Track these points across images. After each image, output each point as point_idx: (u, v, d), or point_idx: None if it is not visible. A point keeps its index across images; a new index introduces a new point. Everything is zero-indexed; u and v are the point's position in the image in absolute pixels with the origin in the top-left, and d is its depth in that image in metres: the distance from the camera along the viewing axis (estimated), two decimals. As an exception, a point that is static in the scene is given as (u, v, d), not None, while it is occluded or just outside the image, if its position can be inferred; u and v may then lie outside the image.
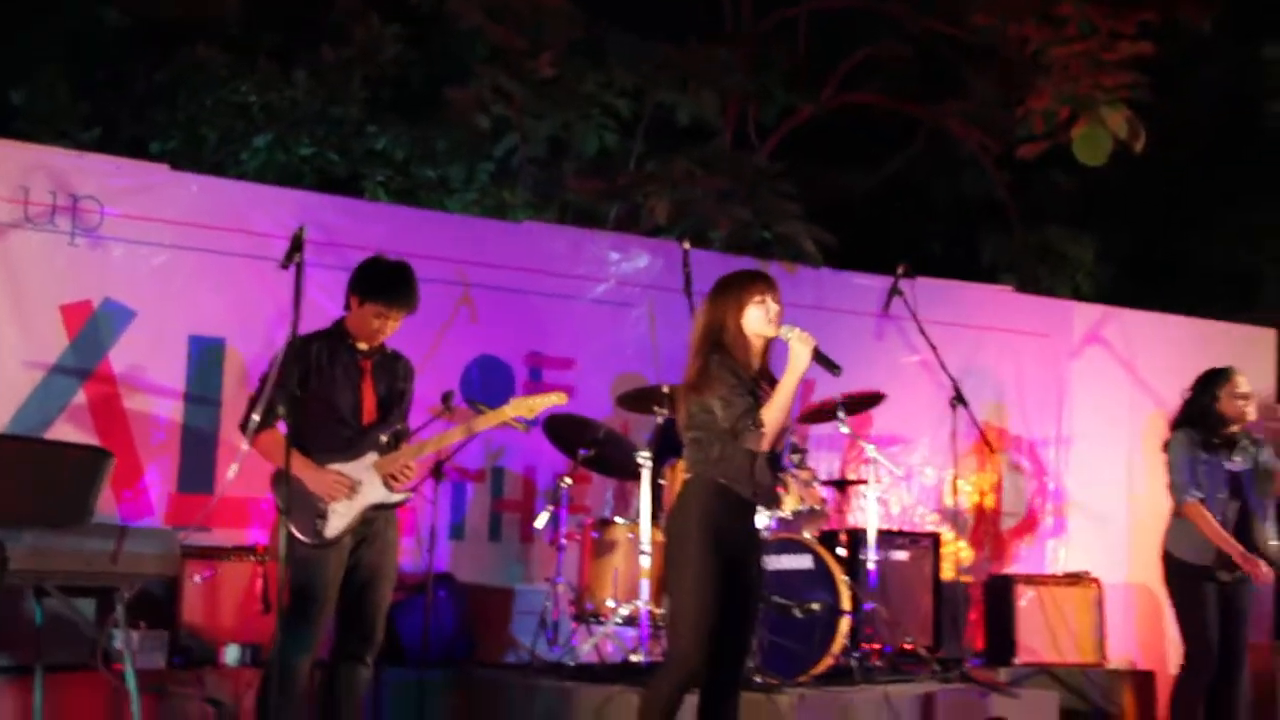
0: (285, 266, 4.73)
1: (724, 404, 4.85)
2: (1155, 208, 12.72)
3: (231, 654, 6.20)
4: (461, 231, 7.93)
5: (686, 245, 6.58)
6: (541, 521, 6.99)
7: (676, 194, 8.59)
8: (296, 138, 9.61)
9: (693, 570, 4.83)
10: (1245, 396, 6.36)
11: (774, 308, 4.99)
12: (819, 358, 4.88)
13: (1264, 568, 6.24)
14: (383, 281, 5.37)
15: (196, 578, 6.24)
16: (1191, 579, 6.29)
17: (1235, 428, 6.37)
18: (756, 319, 4.97)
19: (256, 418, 5.07)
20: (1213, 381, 6.46)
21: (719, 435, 4.88)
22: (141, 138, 9.67)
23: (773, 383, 4.97)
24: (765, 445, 4.88)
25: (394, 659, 6.50)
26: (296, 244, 4.71)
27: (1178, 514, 6.37)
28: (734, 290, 5.03)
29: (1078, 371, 9.35)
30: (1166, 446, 6.47)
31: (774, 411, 4.86)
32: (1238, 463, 6.34)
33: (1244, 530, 6.28)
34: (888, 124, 11.33)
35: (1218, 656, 6.28)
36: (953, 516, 7.53)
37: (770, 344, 5.06)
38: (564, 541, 6.84)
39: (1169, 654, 6.40)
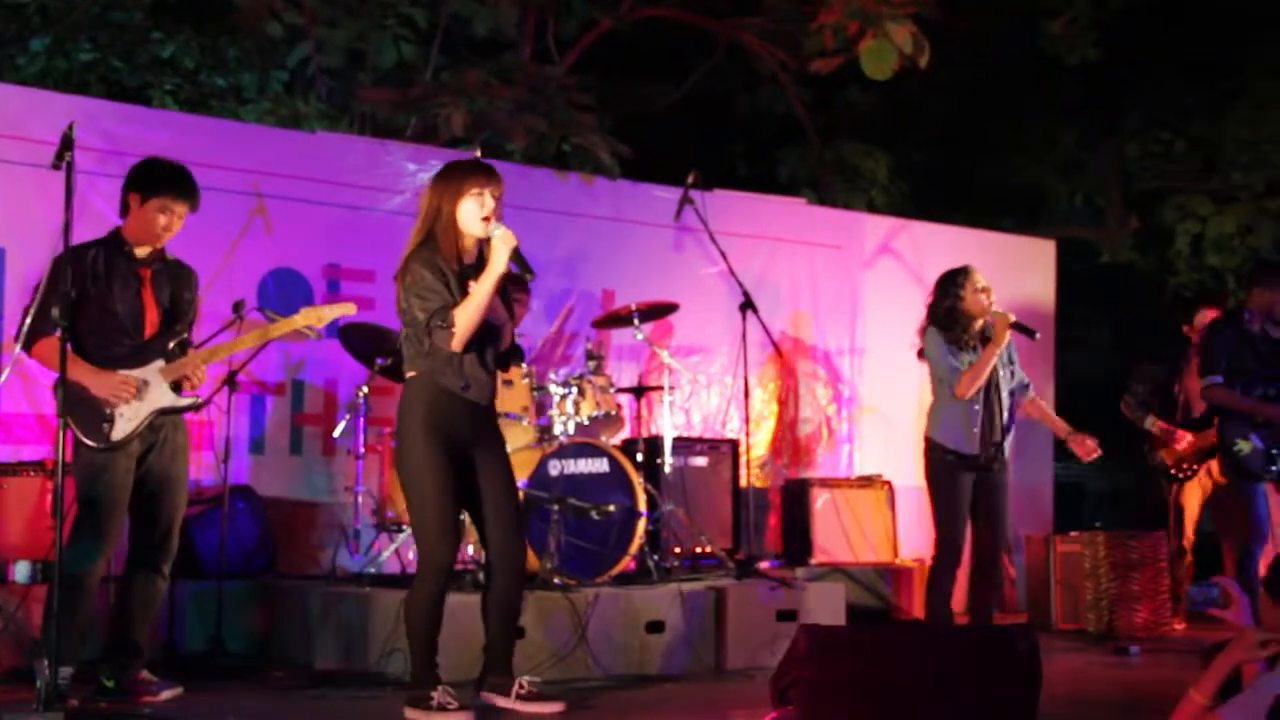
0: (56, 167, 4.62)
1: (420, 300, 4.85)
2: (949, 124, 13.07)
3: (21, 571, 6.08)
4: (254, 141, 7.80)
5: (478, 153, 6.57)
6: (339, 431, 7.01)
7: (473, 105, 8.55)
8: (76, 42, 9.26)
9: (419, 470, 4.87)
10: (984, 290, 6.52)
11: (490, 203, 4.94)
12: (517, 259, 4.88)
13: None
14: (164, 176, 5.28)
15: (-20, 494, 6.11)
16: (948, 464, 6.46)
17: (979, 322, 6.51)
18: (470, 212, 4.94)
19: (29, 324, 4.96)
20: (952, 281, 6.55)
21: (425, 330, 4.88)
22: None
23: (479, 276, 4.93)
24: (458, 345, 4.86)
25: (191, 572, 6.47)
26: (66, 143, 4.59)
27: (941, 401, 6.56)
28: (454, 179, 4.99)
29: (870, 282, 9.62)
30: (922, 352, 6.63)
31: (467, 312, 4.84)
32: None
33: (990, 418, 6.45)
34: (689, 38, 11.40)
35: (975, 544, 6.49)
36: (747, 421, 7.70)
37: (489, 239, 4.99)
38: (362, 451, 6.85)
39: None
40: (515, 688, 5.12)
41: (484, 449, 5.06)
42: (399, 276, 4.95)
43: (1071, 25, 11.27)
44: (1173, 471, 8.38)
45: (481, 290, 4.86)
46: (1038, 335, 6.61)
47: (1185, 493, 8.43)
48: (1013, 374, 6.64)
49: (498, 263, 4.87)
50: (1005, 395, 6.52)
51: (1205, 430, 7.93)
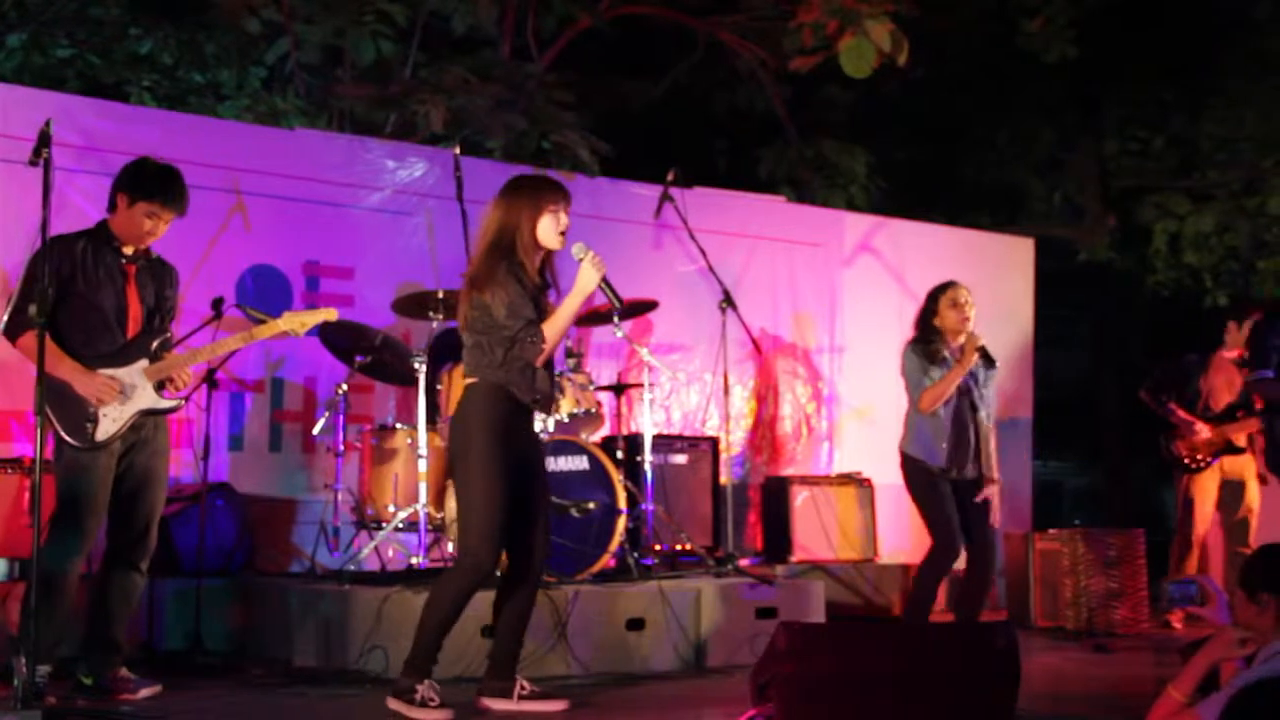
0: (33, 163, 4.60)
1: (509, 311, 4.94)
2: (928, 122, 13.09)
3: (-2, 568, 6.06)
4: (233, 138, 7.77)
5: (457, 150, 6.57)
6: (319, 428, 6.99)
7: (452, 102, 8.53)
8: (53, 38, 9.21)
9: (479, 472, 4.95)
10: (963, 305, 6.53)
11: (565, 220, 5.08)
12: (606, 286, 5.03)
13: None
14: (155, 181, 5.27)
15: (-43, 492, 6.07)
16: (927, 477, 6.47)
17: (960, 338, 6.52)
18: (548, 229, 5.05)
19: (13, 314, 4.94)
20: (933, 295, 6.61)
21: (500, 340, 4.97)
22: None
23: (546, 291, 5.11)
24: (541, 361, 5.03)
25: (170, 569, 6.45)
26: (44, 139, 4.58)
27: (912, 416, 6.55)
28: (531, 194, 5.10)
29: (850, 280, 9.63)
30: (903, 369, 6.64)
31: (555, 329, 5.01)
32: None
33: (960, 434, 6.48)
34: (668, 36, 11.40)
35: (965, 550, 6.47)
36: (727, 419, 7.71)
37: (551, 254, 5.14)
38: (342, 448, 6.84)
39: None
40: (517, 689, 5.17)
41: (534, 460, 5.20)
42: (480, 285, 4.99)
43: (1049, 24, 11.30)
44: (1186, 462, 8.41)
45: (568, 310, 5.02)
46: (996, 366, 6.62)
47: (1198, 484, 8.41)
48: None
49: (587, 285, 5.00)
50: (978, 413, 6.51)
51: (1224, 424, 8.01)
